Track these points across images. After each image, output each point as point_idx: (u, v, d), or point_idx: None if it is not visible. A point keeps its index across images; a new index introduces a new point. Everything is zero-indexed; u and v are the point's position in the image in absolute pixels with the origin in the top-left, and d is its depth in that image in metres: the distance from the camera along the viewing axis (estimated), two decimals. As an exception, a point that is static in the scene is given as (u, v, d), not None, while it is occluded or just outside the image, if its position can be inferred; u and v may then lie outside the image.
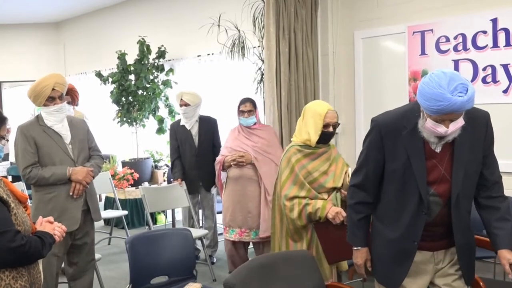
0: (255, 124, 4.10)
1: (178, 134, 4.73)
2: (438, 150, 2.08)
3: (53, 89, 3.18)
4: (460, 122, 1.97)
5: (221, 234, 4.77)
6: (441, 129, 1.96)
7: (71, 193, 3.23)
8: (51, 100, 3.20)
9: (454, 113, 1.91)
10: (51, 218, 2.20)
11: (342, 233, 2.66)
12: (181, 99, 4.62)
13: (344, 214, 2.80)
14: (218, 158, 4.16)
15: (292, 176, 2.97)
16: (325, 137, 3.03)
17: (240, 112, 4.08)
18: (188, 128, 4.66)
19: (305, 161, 3.00)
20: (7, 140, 2.22)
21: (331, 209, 2.87)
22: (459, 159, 2.09)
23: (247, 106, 4.06)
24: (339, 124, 3.10)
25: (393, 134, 2.10)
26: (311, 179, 2.99)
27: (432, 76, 1.93)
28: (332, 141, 3.31)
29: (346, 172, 3.01)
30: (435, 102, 1.88)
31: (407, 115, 2.10)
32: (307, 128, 3.02)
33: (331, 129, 3.01)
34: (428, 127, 1.99)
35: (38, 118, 3.27)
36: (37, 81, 3.22)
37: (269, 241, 4.02)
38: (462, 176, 2.09)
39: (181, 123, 4.70)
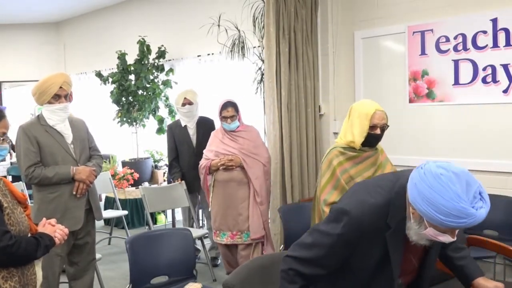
0: (238, 126, 4.03)
1: (176, 135, 4.73)
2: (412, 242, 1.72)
3: (60, 87, 3.17)
4: None
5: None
6: (445, 238, 1.59)
7: (74, 193, 3.23)
8: (57, 98, 3.18)
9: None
10: (52, 221, 2.16)
11: None
12: (185, 98, 4.62)
13: None
14: (203, 162, 4.05)
15: (333, 181, 2.73)
16: (371, 140, 2.74)
17: (223, 118, 3.98)
18: (191, 127, 4.66)
19: (347, 165, 2.75)
20: (3, 139, 2.15)
21: None
22: (434, 247, 1.80)
23: (229, 112, 3.96)
24: (388, 126, 2.78)
25: (373, 234, 1.70)
26: None
27: (443, 179, 1.50)
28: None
29: None
30: (455, 218, 1.48)
31: (391, 211, 1.70)
32: (352, 129, 2.75)
33: (378, 131, 2.73)
34: (429, 235, 1.61)
35: (39, 118, 3.26)
36: (44, 78, 3.21)
37: (260, 242, 4.00)
38: (433, 265, 1.85)
39: (183, 124, 4.70)
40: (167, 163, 6.98)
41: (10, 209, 1.95)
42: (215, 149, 4.01)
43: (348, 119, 2.83)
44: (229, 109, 3.96)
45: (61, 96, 3.20)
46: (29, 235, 2.04)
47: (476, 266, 1.93)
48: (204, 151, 4.13)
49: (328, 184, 2.74)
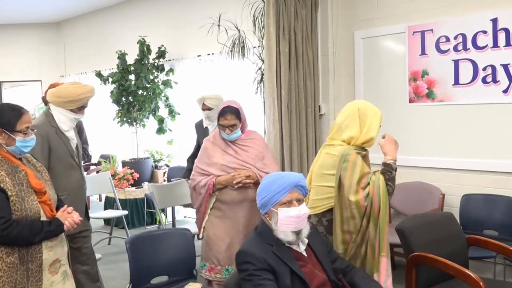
0: (239, 136, 3.26)
1: (199, 134, 4.68)
2: (304, 253, 2.19)
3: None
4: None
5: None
6: (294, 210, 2.14)
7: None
8: (81, 108, 3.22)
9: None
10: (69, 209, 2.34)
11: None
12: (203, 104, 4.47)
13: None
14: (201, 178, 3.23)
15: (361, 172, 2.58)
16: None
17: (220, 126, 3.22)
18: (211, 130, 4.61)
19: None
20: (25, 134, 2.26)
21: None
22: (324, 260, 2.23)
23: (228, 119, 3.17)
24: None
25: (270, 259, 2.10)
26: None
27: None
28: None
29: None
30: (277, 184, 2.19)
31: (262, 236, 2.19)
32: (371, 129, 2.68)
33: None
34: (282, 218, 2.12)
35: (48, 118, 3.16)
36: (76, 85, 3.23)
37: None
38: (329, 268, 2.23)
39: (204, 125, 4.61)
40: (167, 163, 7.03)
41: (20, 197, 2.17)
42: (220, 162, 3.20)
43: (359, 118, 2.69)
44: (228, 117, 3.18)
45: (84, 107, 3.24)
46: (45, 219, 2.25)
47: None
48: (197, 163, 3.32)
49: (363, 178, 2.56)
